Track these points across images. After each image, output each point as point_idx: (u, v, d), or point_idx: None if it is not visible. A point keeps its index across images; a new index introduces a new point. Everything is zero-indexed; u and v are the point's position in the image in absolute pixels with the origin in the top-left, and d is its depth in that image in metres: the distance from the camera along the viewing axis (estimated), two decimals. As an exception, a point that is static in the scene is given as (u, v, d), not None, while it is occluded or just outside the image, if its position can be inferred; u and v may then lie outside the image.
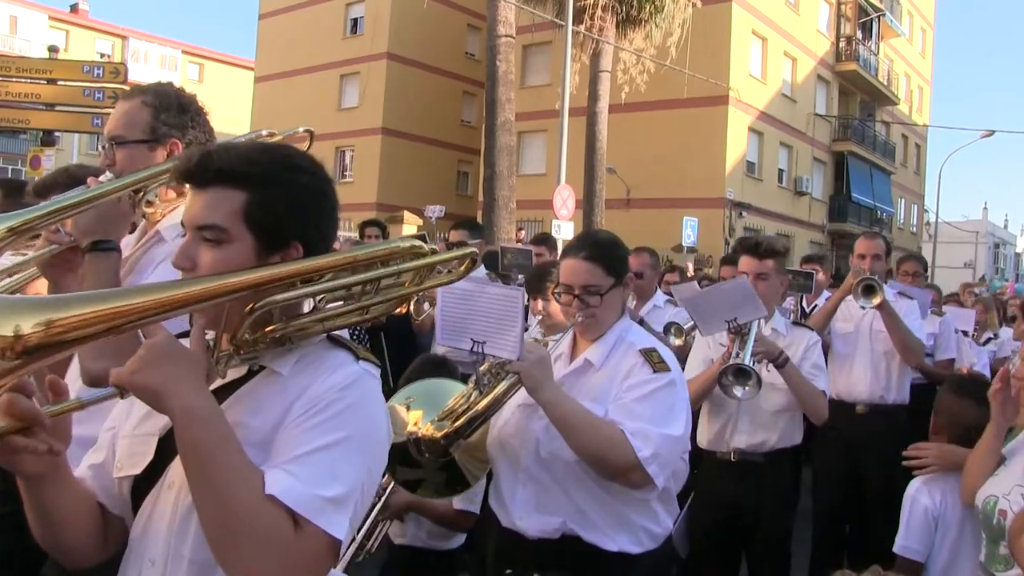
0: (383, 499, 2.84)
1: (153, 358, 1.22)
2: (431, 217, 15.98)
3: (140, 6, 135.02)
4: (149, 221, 2.21)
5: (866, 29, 33.54)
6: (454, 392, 2.55)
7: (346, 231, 13.30)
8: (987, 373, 5.84)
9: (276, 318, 1.35)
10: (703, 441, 3.65)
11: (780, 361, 3.36)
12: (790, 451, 3.59)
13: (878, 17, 33.75)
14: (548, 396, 2.20)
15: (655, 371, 2.31)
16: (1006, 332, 7.56)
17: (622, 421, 2.22)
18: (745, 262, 3.69)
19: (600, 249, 2.46)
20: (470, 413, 2.38)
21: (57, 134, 10.28)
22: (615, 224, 19.51)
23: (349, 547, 2.17)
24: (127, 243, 2.19)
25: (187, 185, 1.37)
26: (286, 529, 1.18)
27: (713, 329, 3.45)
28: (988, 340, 7.22)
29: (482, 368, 2.38)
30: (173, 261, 1.35)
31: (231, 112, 45.12)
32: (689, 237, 19.12)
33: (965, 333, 6.31)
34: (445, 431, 2.40)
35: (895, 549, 2.76)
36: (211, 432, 1.20)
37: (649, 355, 2.35)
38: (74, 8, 44.11)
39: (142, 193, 2.07)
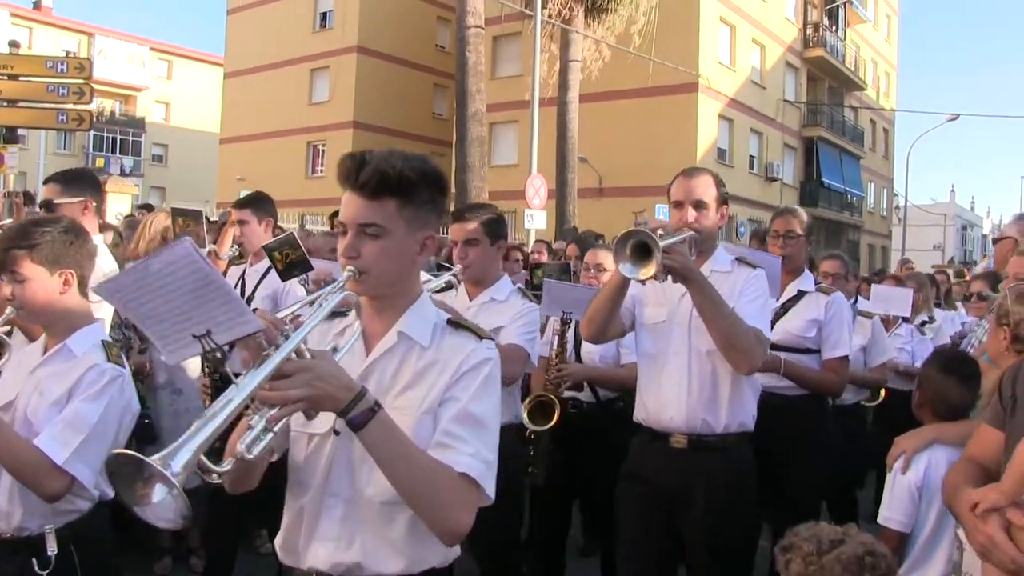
0: None
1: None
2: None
3: (106, 3, 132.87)
4: None
5: (833, 16, 33.90)
6: None
7: (318, 225, 13.26)
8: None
9: None
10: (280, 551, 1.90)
11: (356, 419, 1.53)
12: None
13: (844, 4, 34.14)
14: None
15: None
16: (941, 314, 6.79)
17: None
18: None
19: None
20: None
21: (21, 132, 10.13)
22: (588, 213, 19.62)
23: None
24: None
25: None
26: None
27: (177, 357, 1.65)
28: (923, 323, 6.42)
29: None
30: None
31: (200, 108, 44.75)
32: (662, 224, 19.22)
33: (906, 320, 5.88)
34: None
35: (879, 520, 2.74)
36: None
37: None
38: (37, 5, 43.33)
39: None
